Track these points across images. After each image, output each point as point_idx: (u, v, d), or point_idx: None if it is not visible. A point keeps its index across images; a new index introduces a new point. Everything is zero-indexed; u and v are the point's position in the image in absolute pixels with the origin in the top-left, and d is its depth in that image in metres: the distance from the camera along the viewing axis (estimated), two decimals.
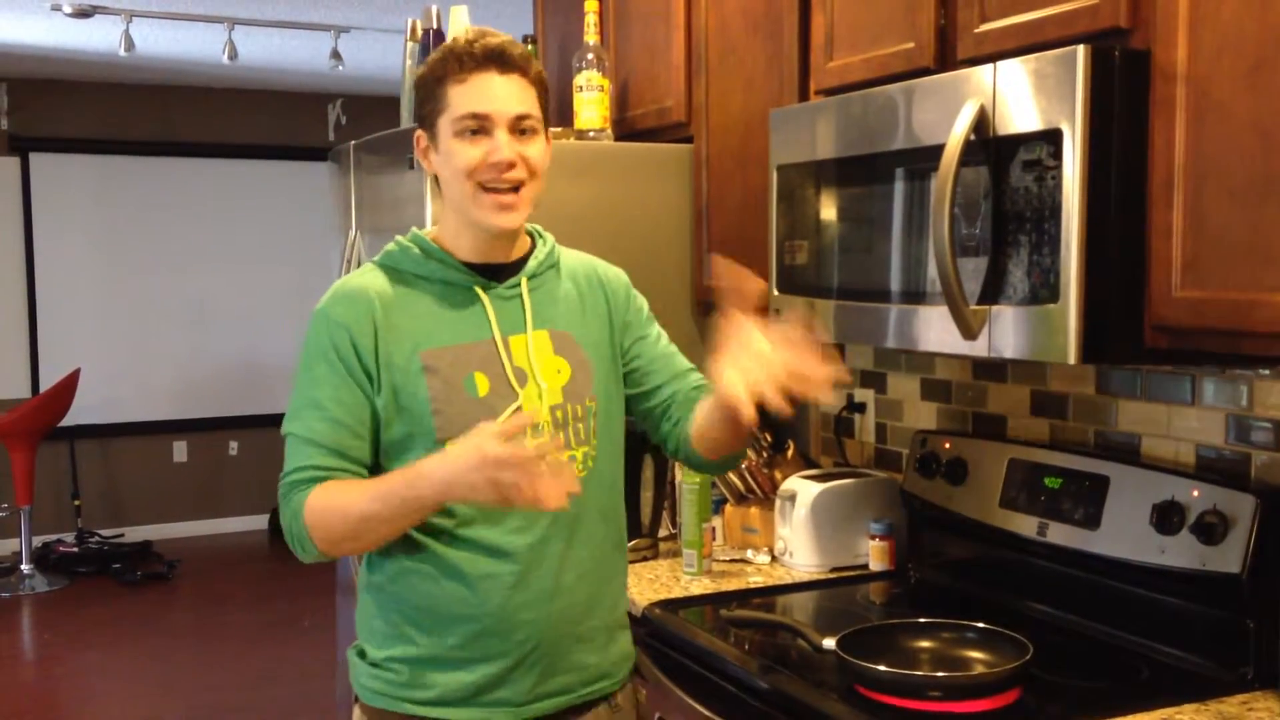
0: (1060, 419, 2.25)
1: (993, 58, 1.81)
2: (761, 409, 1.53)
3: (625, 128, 3.00)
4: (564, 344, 1.78)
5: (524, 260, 1.80)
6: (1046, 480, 2.13)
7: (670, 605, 2.26)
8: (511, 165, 1.69)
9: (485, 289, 1.76)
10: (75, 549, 6.79)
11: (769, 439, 2.78)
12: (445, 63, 1.70)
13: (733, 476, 2.66)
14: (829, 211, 2.20)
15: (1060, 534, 2.07)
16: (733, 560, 2.57)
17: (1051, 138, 1.67)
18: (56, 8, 5.09)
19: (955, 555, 2.38)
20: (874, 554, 2.48)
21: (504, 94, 1.68)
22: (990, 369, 2.41)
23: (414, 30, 2.93)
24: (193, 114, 7.37)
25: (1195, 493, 1.87)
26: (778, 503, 2.53)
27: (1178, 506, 1.88)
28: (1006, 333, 1.77)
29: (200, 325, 7.47)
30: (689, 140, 2.81)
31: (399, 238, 1.80)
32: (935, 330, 1.90)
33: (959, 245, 1.82)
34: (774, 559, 2.56)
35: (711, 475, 2.46)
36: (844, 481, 2.53)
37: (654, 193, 2.82)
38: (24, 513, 6.47)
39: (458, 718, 1.72)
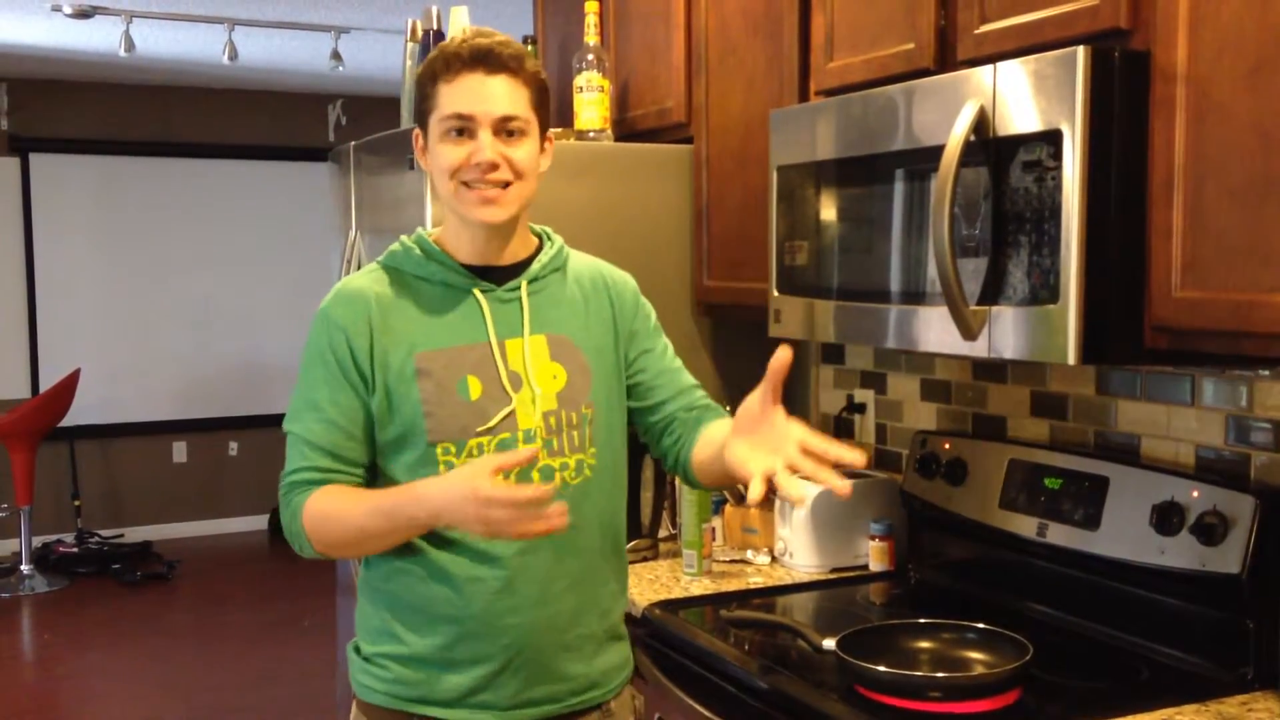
0: (1060, 419, 2.25)
1: (993, 58, 1.81)
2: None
3: (625, 128, 3.00)
4: (562, 349, 1.76)
5: (527, 263, 1.79)
6: (1046, 481, 2.13)
7: (670, 606, 2.27)
8: (494, 167, 1.67)
9: (484, 292, 1.75)
10: (75, 549, 6.79)
11: None
12: (436, 63, 1.70)
13: None
14: (829, 212, 2.20)
15: (1060, 534, 2.07)
16: (733, 561, 2.57)
17: (1051, 138, 1.67)
18: (56, 8, 5.09)
19: (955, 556, 2.38)
20: (874, 554, 2.48)
21: (489, 94, 1.67)
22: (990, 369, 2.41)
23: (414, 31, 2.93)
24: (193, 114, 7.37)
25: (1195, 493, 1.87)
26: (777, 503, 2.53)
27: (1177, 507, 1.88)
28: (1006, 333, 1.77)
29: (200, 325, 7.47)
30: (689, 141, 2.81)
31: (403, 238, 1.79)
32: (935, 331, 1.90)
33: (959, 246, 1.82)
34: (774, 559, 2.56)
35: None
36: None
37: (654, 193, 2.82)
38: (24, 513, 6.46)
39: (445, 717, 1.72)
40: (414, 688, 1.73)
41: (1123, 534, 1.96)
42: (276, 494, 1.75)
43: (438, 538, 1.69)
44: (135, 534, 7.23)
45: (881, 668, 1.76)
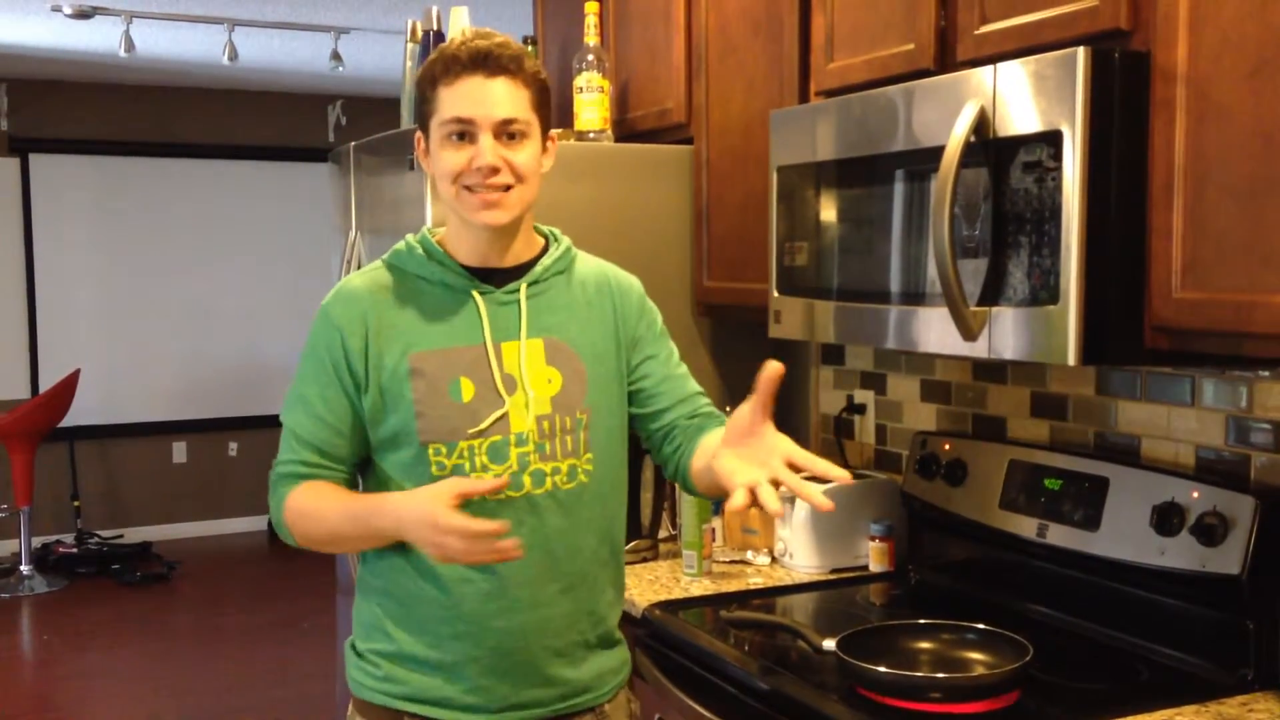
0: (1060, 420, 2.25)
1: (993, 59, 1.81)
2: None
3: (625, 129, 3.00)
4: (558, 353, 1.75)
5: (530, 264, 1.78)
6: (1046, 481, 2.13)
7: (670, 606, 2.27)
8: (495, 171, 1.67)
9: (482, 293, 1.74)
10: (75, 550, 6.79)
11: None
12: (435, 65, 1.69)
13: None
14: (829, 213, 2.20)
15: (1060, 535, 2.07)
16: (732, 561, 2.57)
17: (1051, 139, 1.67)
18: (56, 8, 5.09)
19: (955, 556, 2.38)
20: (874, 555, 2.48)
21: (489, 98, 1.66)
22: (990, 370, 2.41)
23: (414, 31, 2.93)
24: (193, 115, 7.37)
25: (1195, 494, 1.87)
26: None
27: (1177, 508, 1.88)
28: (1006, 334, 1.77)
29: (200, 325, 7.47)
30: (689, 141, 2.81)
31: (409, 236, 1.79)
32: (935, 331, 1.90)
33: (959, 246, 1.82)
34: (774, 560, 2.56)
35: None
36: (844, 483, 2.52)
37: (654, 194, 2.82)
38: (23, 513, 6.46)
39: (434, 716, 1.72)
40: (403, 685, 1.73)
41: (1123, 535, 1.96)
42: None
43: None
44: (135, 534, 7.22)
45: (882, 668, 1.76)
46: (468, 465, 1.69)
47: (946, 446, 2.36)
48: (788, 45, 2.42)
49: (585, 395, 1.75)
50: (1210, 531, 1.81)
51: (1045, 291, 1.70)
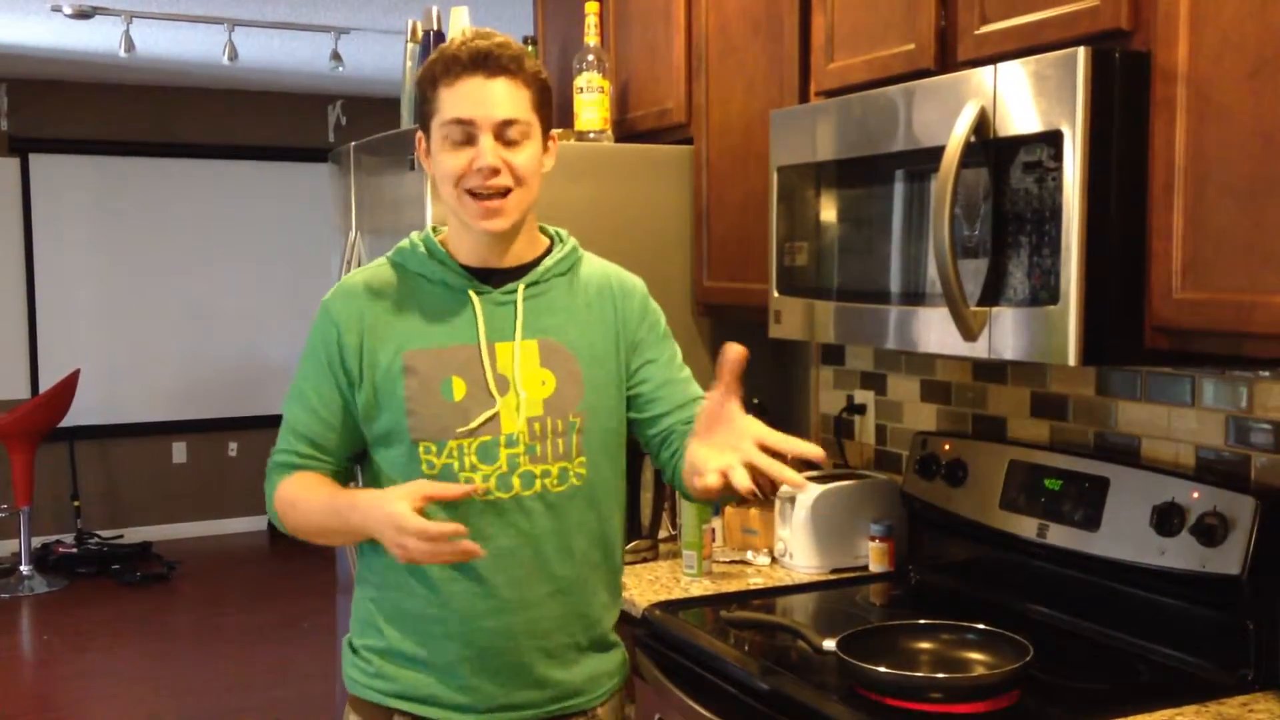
0: (1060, 420, 2.25)
1: (993, 59, 1.81)
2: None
3: (625, 129, 3.00)
4: (554, 355, 1.74)
5: (531, 265, 1.78)
6: (1046, 482, 2.13)
7: (670, 606, 2.27)
8: (496, 172, 1.66)
9: (479, 294, 1.74)
10: (75, 550, 6.79)
11: None
12: (436, 66, 1.69)
13: None
14: (829, 213, 2.20)
15: (1060, 535, 2.07)
16: (732, 562, 2.57)
17: (1052, 139, 1.67)
18: (56, 8, 5.09)
19: (955, 557, 2.38)
20: (874, 555, 2.48)
21: (490, 99, 1.66)
22: (990, 370, 2.41)
23: (414, 31, 2.93)
24: (193, 115, 7.37)
25: (1195, 494, 1.87)
26: (777, 504, 2.53)
27: (1177, 508, 1.88)
28: (1006, 334, 1.77)
29: (200, 326, 7.47)
30: (689, 142, 2.81)
31: (413, 234, 1.80)
32: (935, 331, 1.90)
33: (959, 247, 1.82)
34: (774, 560, 2.56)
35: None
36: (844, 483, 2.53)
37: (654, 194, 2.82)
38: (23, 513, 6.46)
39: (422, 714, 1.72)
40: (394, 682, 1.73)
41: (1123, 535, 1.96)
42: None
43: None
44: (135, 534, 7.22)
45: (882, 669, 1.76)
46: (457, 464, 1.69)
47: (946, 447, 2.36)
48: (788, 45, 2.42)
49: (581, 398, 1.74)
50: (1210, 532, 1.81)
51: (1045, 291, 1.70)
